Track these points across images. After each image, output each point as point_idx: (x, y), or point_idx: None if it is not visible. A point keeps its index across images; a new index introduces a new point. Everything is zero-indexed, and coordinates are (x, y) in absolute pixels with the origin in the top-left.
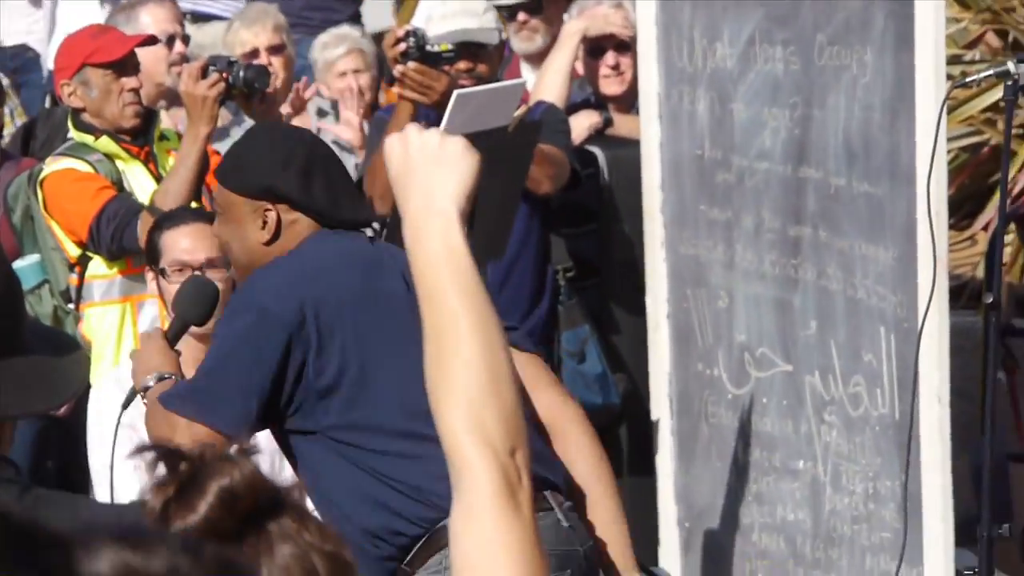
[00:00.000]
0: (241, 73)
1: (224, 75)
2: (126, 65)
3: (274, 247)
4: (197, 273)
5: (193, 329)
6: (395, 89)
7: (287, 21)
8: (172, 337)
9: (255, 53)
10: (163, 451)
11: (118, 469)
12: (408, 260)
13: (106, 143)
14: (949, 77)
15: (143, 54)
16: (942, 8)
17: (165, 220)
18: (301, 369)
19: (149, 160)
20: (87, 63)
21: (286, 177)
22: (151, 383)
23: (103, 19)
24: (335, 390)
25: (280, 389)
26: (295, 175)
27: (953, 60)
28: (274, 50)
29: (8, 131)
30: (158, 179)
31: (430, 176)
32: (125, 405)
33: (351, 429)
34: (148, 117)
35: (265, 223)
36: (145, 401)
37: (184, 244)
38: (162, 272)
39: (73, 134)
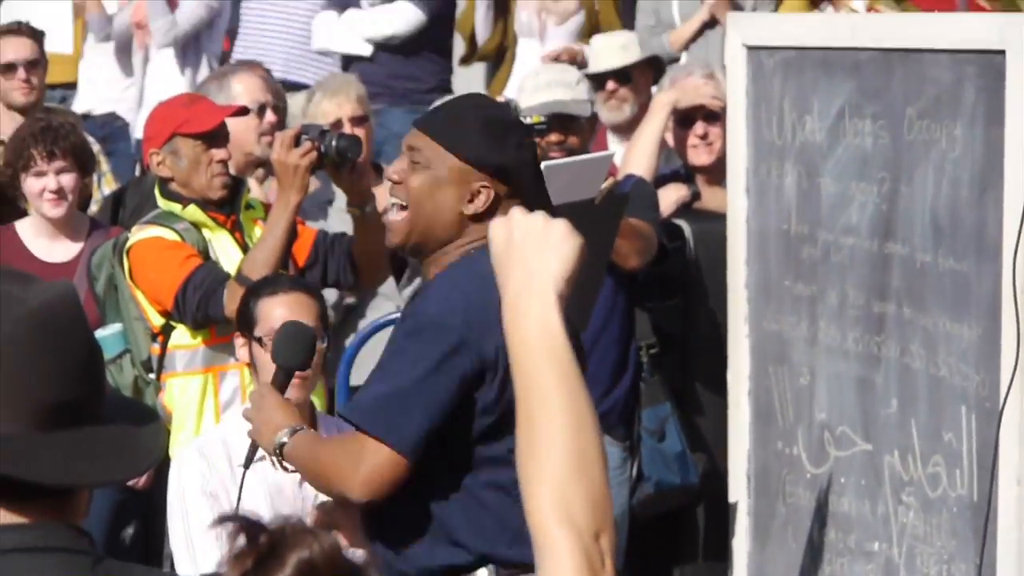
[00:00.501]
0: (334, 142)
1: (316, 144)
2: (216, 136)
3: (475, 225)
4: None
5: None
6: None
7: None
8: (279, 388)
9: (339, 124)
10: (244, 522)
11: (205, 538)
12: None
13: (193, 212)
14: None
15: (233, 123)
16: None
17: (263, 287)
18: (474, 397)
19: (235, 229)
20: (177, 133)
21: (518, 157)
22: (285, 439)
23: (187, 88)
24: (494, 423)
25: (454, 415)
26: (524, 157)
27: None
28: (357, 121)
29: (97, 199)
30: (244, 248)
31: (532, 258)
32: (247, 465)
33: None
34: (235, 186)
35: (474, 197)
36: (285, 459)
37: (281, 313)
38: (258, 340)
39: (160, 203)
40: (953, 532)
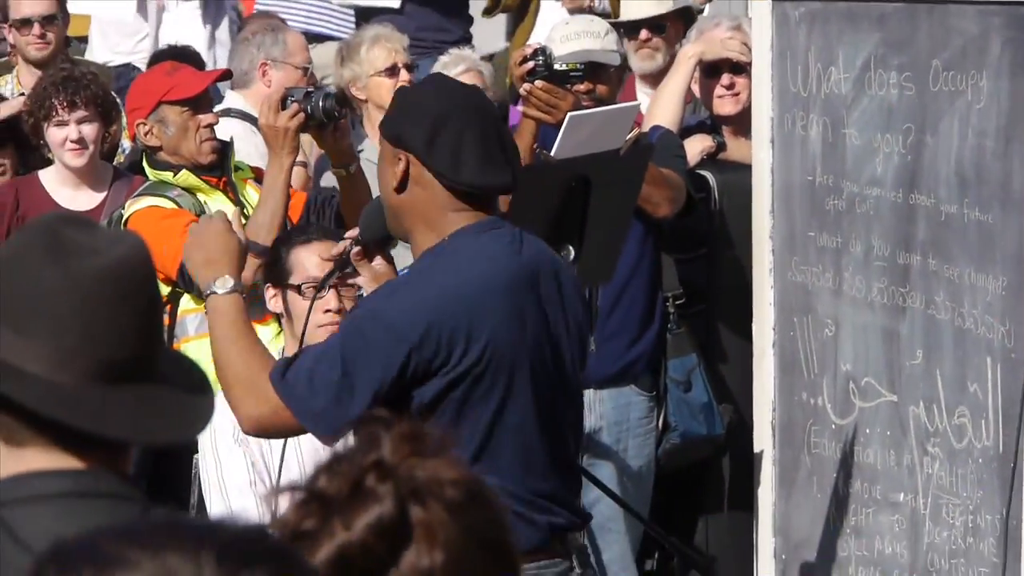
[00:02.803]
0: (320, 103)
1: (303, 106)
2: (201, 101)
3: (404, 198)
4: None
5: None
6: (520, 107)
7: None
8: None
9: (394, 69)
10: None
11: (238, 485)
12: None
13: (186, 177)
14: None
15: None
16: None
17: (294, 237)
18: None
19: (228, 190)
20: (163, 101)
21: (414, 129)
22: (218, 289)
23: (205, 41)
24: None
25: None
26: (422, 128)
27: None
28: (409, 68)
29: (123, 148)
30: (240, 206)
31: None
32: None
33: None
34: (222, 149)
35: (396, 169)
36: (206, 307)
37: (316, 261)
38: (297, 288)
39: (149, 174)
40: (979, 483)
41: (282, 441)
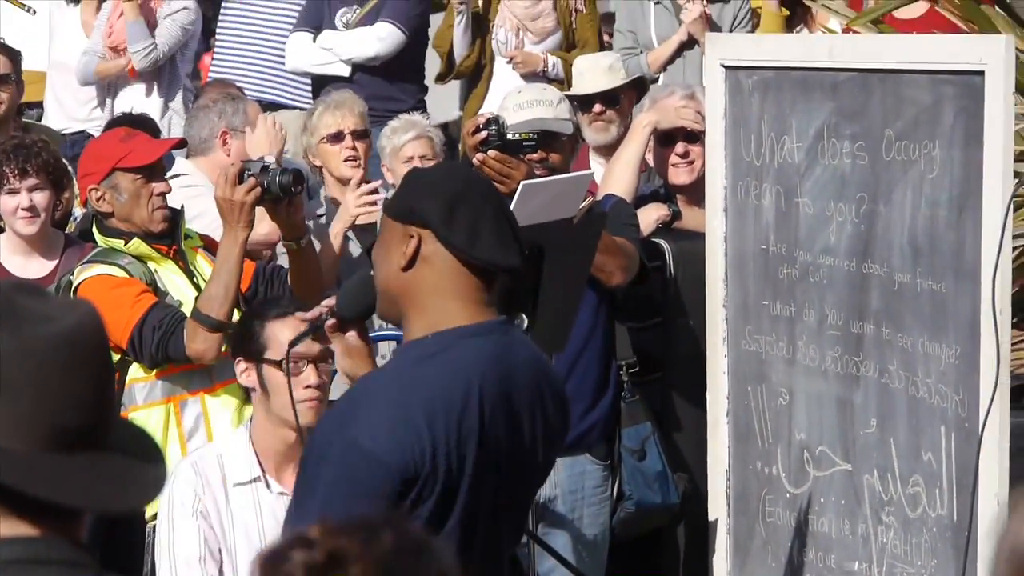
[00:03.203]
0: (277, 178)
1: (259, 180)
2: (155, 169)
3: (409, 278)
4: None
5: None
6: None
7: None
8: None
9: (340, 136)
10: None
11: (188, 556)
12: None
13: (138, 245)
14: (1016, 174)
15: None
16: (1011, 105)
17: (267, 311)
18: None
19: (178, 259)
20: (117, 168)
21: (430, 201)
22: None
23: (159, 109)
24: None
25: None
26: (440, 202)
27: (1021, 157)
28: (358, 135)
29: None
30: (190, 276)
31: None
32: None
33: None
34: (173, 218)
35: (406, 248)
36: None
37: (291, 335)
38: (277, 364)
39: (99, 240)
40: (933, 552)
41: (241, 520)
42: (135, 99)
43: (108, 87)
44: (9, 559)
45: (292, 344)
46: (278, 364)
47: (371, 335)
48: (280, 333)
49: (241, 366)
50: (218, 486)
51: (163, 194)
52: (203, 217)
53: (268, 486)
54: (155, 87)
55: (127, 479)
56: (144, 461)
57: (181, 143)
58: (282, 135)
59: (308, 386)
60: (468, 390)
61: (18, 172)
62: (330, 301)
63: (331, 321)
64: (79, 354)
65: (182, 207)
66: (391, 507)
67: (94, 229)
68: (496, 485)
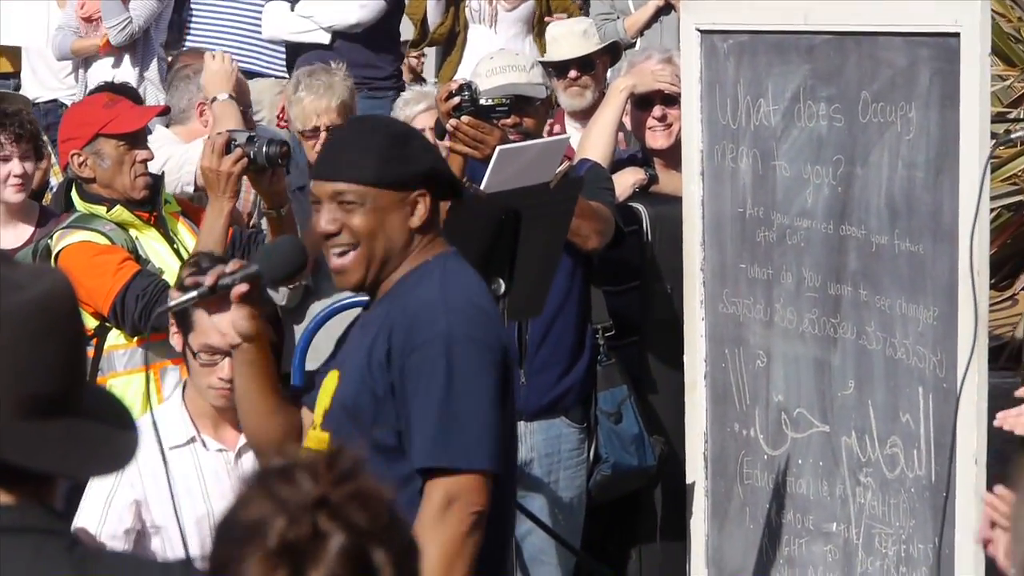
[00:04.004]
0: (264, 149)
1: (246, 151)
2: (138, 136)
3: (419, 235)
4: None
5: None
6: (446, 143)
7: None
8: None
9: (315, 131)
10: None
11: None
12: None
13: (120, 212)
14: (993, 135)
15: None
16: (987, 66)
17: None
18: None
19: (159, 225)
20: (101, 133)
21: (425, 162)
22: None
23: (134, 79)
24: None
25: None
26: (430, 158)
27: (998, 118)
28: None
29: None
30: (171, 242)
31: None
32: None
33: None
34: (154, 184)
35: (414, 210)
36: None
37: (216, 332)
38: (193, 352)
39: (80, 205)
40: (911, 512)
41: (183, 483)
42: (109, 69)
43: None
44: None
45: (173, 307)
46: (193, 352)
47: (342, 302)
48: (208, 328)
49: (173, 329)
50: (153, 452)
51: (145, 161)
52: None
53: (205, 445)
54: (129, 57)
55: (100, 445)
56: (117, 427)
57: (165, 110)
58: (234, 70)
59: (221, 377)
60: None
61: (14, 138)
62: (231, 266)
63: (243, 287)
64: (50, 321)
65: (162, 173)
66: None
67: (74, 194)
68: None
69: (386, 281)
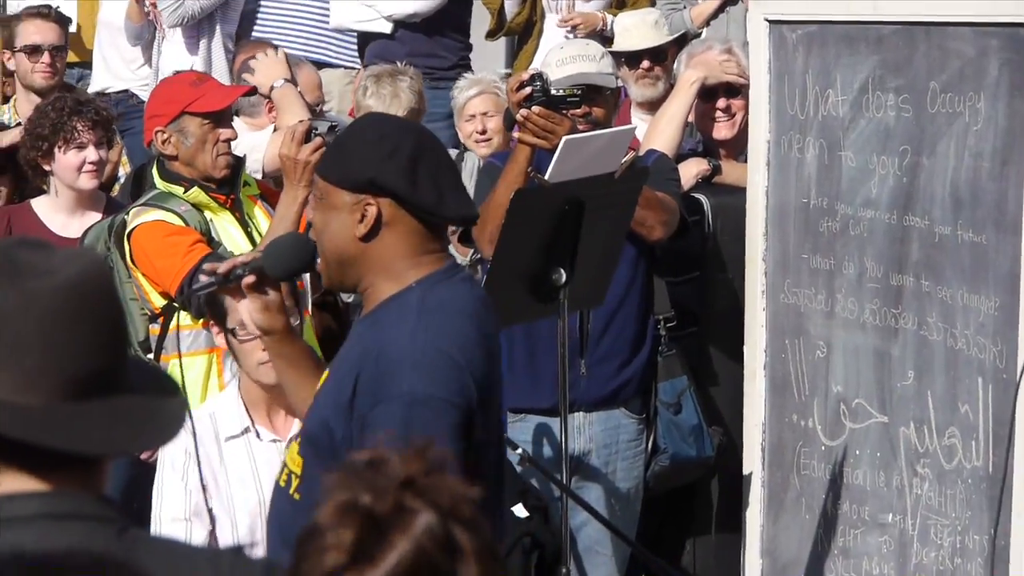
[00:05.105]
0: None
1: (326, 140)
2: (223, 115)
3: (370, 247)
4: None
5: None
6: (516, 133)
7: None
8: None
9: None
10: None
11: (172, 524)
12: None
13: (197, 194)
14: None
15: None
16: None
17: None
18: None
19: (235, 209)
20: (186, 111)
21: (390, 168)
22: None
23: (201, 69)
24: None
25: None
26: (400, 167)
27: None
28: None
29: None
30: (245, 227)
31: None
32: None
33: None
34: (235, 165)
35: (364, 217)
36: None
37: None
38: (231, 332)
39: (159, 184)
40: (968, 503)
41: (237, 473)
42: (177, 58)
43: (152, 46)
44: (31, 515)
45: (195, 291)
46: (232, 331)
47: None
48: (240, 303)
49: (215, 329)
50: (211, 443)
51: (228, 140)
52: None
53: (259, 435)
54: (198, 47)
55: (144, 419)
56: (161, 398)
57: (252, 91)
58: (284, 60)
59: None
60: (472, 327)
61: (90, 125)
62: (245, 257)
63: (250, 278)
64: (83, 303)
65: (244, 156)
66: (463, 445)
67: (154, 172)
68: (495, 412)
69: (368, 295)
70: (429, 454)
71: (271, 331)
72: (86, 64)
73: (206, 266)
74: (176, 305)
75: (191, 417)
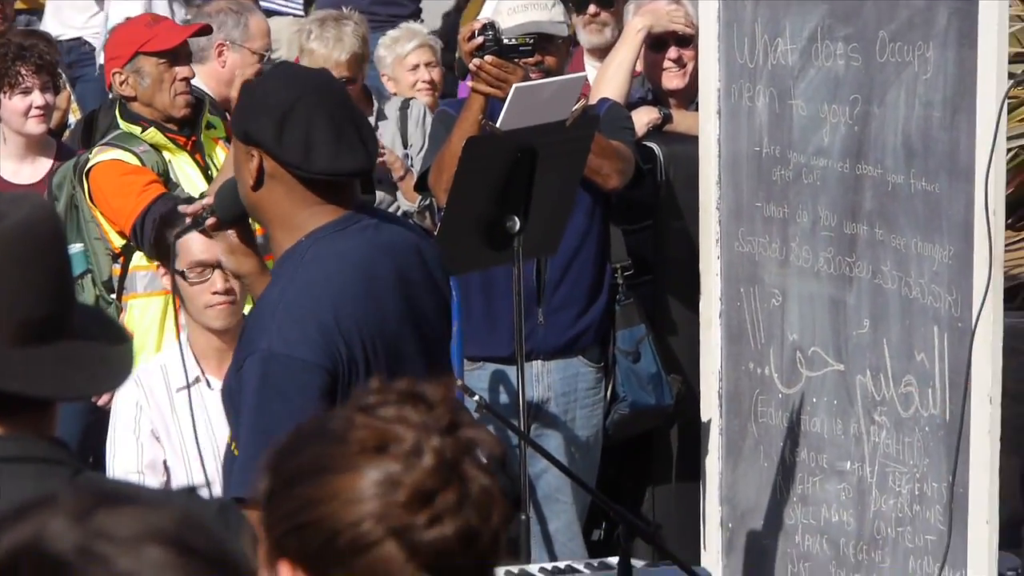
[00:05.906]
0: None
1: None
2: (179, 54)
3: (261, 195)
4: None
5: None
6: (469, 82)
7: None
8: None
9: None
10: None
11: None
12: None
13: (153, 135)
14: (1011, 75)
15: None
16: (1006, 6)
17: (180, 219)
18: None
19: (196, 151)
20: (141, 51)
21: (262, 122)
22: None
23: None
24: None
25: None
26: (271, 121)
27: (1016, 58)
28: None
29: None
30: (204, 169)
31: None
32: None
33: None
34: (197, 106)
35: (251, 166)
36: None
37: (199, 245)
38: (181, 274)
39: (121, 124)
40: (925, 451)
41: (188, 423)
42: (129, 7)
43: None
44: None
45: (176, 236)
46: (182, 274)
47: None
48: (190, 244)
49: (161, 271)
50: (162, 395)
51: (186, 79)
52: None
53: (209, 384)
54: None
55: (95, 364)
56: (111, 343)
57: (205, 29)
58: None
59: (215, 292)
60: (363, 278)
61: (34, 69)
62: (209, 199)
63: (211, 220)
64: (32, 247)
65: (208, 96)
66: (323, 406)
67: (117, 113)
68: (410, 365)
69: (272, 247)
70: (451, 395)
71: (242, 274)
72: (35, 11)
73: (181, 208)
74: (132, 246)
75: (142, 369)
